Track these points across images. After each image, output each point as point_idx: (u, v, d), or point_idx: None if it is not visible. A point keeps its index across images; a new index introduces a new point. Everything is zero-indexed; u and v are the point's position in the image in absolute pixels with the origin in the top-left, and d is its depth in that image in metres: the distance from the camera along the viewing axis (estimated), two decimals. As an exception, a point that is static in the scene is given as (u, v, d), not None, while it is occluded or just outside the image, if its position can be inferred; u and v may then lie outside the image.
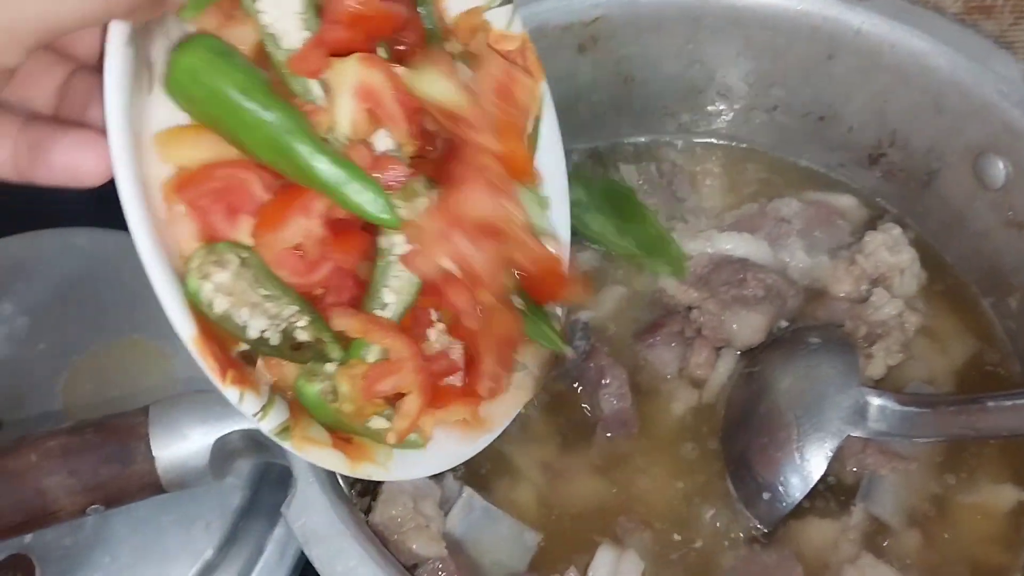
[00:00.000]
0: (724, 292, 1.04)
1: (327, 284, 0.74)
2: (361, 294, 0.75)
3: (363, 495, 0.92)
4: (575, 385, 1.03)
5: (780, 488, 0.94)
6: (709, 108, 1.18)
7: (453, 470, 0.89)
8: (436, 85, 0.74)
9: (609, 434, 1.00)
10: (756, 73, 1.13)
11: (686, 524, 0.96)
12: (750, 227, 1.10)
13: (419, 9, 0.78)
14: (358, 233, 0.74)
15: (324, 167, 0.67)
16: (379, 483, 0.91)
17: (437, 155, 0.77)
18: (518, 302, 0.83)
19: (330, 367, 0.74)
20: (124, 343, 1.11)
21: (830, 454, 0.93)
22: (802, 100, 1.13)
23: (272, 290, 0.70)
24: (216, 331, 0.68)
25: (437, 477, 0.93)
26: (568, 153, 0.88)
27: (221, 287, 0.67)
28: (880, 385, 1.01)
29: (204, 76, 0.65)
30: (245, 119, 0.66)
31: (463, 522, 0.93)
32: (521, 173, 0.82)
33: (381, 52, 0.73)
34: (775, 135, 1.18)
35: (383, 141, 0.72)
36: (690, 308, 1.06)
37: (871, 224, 1.12)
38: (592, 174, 1.18)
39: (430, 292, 0.77)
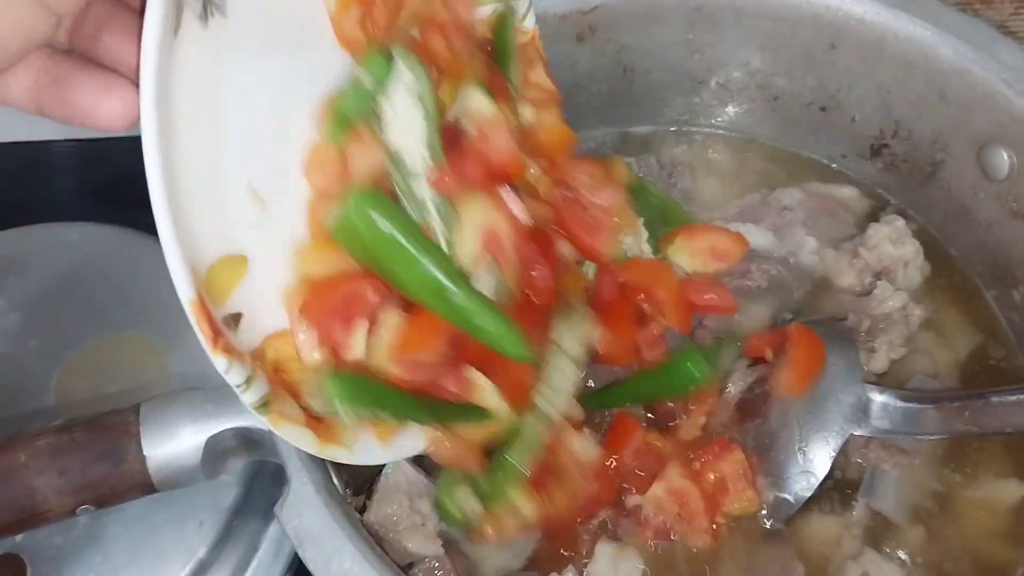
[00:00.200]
0: (728, 283, 1.03)
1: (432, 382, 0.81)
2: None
3: (357, 494, 0.92)
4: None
5: (786, 487, 0.93)
6: (710, 99, 1.17)
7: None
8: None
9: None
10: (757, 63, 1.12)
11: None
12: (753, 217, 1.09)
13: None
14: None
15: (473, 309, 0.78)
16: (373, 481, 0.91)
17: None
18: None
19: (475, 507, 0.85)
20: (118, 339, 1.11)
21: (834, 453, 0.93)
22: (804, 90, 1.12)
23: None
24: (208, 294, 0.68)
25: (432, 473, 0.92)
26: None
27: None
28: (883, 379, 1.00)
29: (375, 223, 0.74)
30: (406, 260, 0.76)
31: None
32: None
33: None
34: (777, 126, 1.17)
35: (486, 279, 0.81)
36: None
37: (874, 216, 1.11)
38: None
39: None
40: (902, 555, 0.93)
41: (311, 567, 0.78)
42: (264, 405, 0.71)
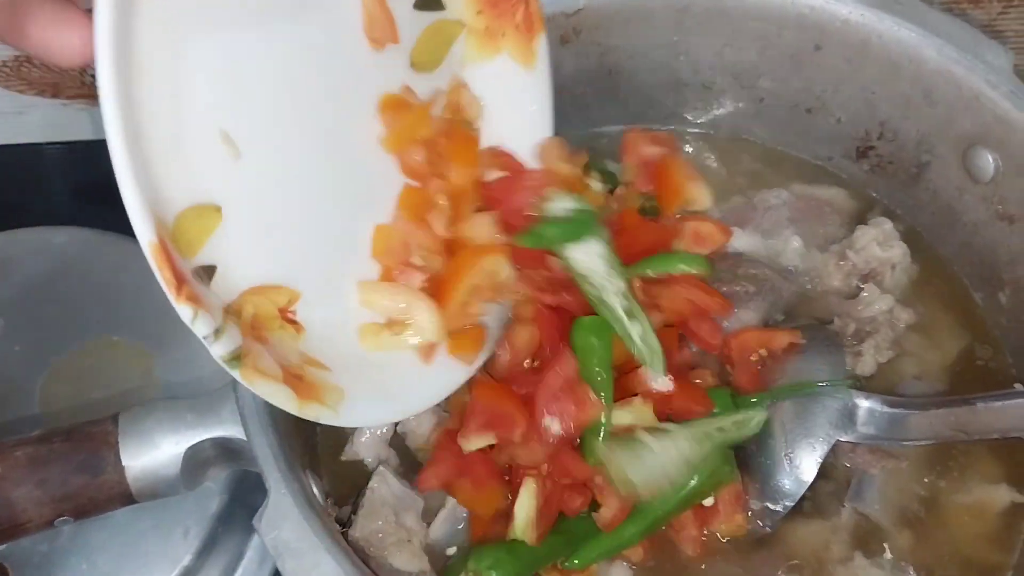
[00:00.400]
0: (716, 288, 1.02)
1: None
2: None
3: (341, 504, 0.91)
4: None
5: (773, 494, 0.93)
6: (695, 100, 1.16)
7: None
8: None
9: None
10: (743, 64, 1.11)
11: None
12: (739, 220, 1.08)
13: None
14: None
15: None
16: (359, 496, 0.90)
17: None
18: None
19: None
20: (102, 343, 1.11)
21: (820, 459, 0.92)
22: (789, 92, 1.11)
23: None
24: (175, 244, 0.67)
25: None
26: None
27: None
28: (872, 382, 1.00)
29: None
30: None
31: (447, 532, 0.91)
32: None
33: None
34: (762, 127, 1.16)
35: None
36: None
37: (861, 217, 1.11)
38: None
39: None
40: (890, 559, 0.92)
41: (291, 581, 0.77)
42: (235, 359, 0.70)
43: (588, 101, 1.15)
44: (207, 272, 0.71)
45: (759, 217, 1.09)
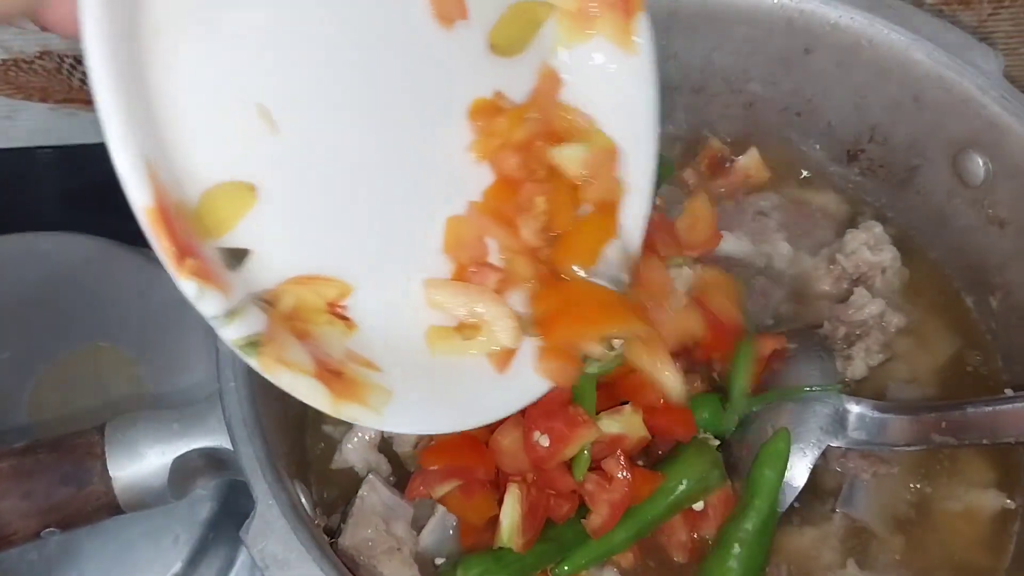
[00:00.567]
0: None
1: None
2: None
3: (330, 513, 0.91)
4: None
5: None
6: (684, 104, 1.16)
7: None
8: None
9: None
10: (732, 68, 1.11)
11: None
12: (728, 224, 1.08)
13: None
14: None
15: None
16: (348, 504, 0.90)
17: None
18: None
19: None
20: (90, 350, 1.10)
21: (811, 465, 0.92)
22: (779, 95, 1.11)
23: None
24: (200, 222, 0.63)
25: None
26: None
27: None
28: (863, 386, 1.00)
29: None
30: None
31: (437, 540, 0.91)
32: None
33: None
34: (752, 131, 1.15)
35: None
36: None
37: (852, 221, 1.11)
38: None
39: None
40: (883, 565, 0.92)
41: (278, 593, 0.76)
42: (251, 345, 0.64)
43: (577, 105, 1.14)
44: (237, 255, 0.66)
45: (749, 221, 1.09)
